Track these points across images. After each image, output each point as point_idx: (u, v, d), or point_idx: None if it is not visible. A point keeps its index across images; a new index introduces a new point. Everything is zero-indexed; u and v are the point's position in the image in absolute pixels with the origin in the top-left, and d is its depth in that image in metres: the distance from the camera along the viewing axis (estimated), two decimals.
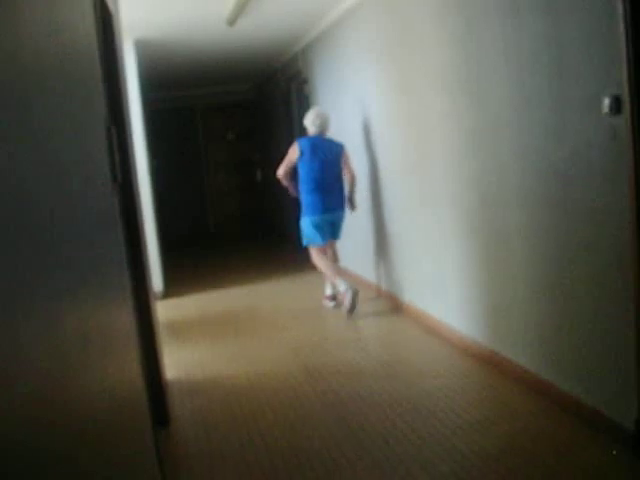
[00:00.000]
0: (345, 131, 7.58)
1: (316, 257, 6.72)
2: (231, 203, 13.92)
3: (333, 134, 7.99)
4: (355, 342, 5.63)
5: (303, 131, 7.40)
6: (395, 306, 6.45)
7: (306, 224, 6.70)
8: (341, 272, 6.79)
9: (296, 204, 7.36)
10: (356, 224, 7.51)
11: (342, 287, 6.34)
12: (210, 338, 6.18)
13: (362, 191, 7.16)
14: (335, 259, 6.99)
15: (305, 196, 6.67)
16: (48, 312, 1.20)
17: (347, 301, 6.31)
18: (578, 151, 3.40)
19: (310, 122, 6.68)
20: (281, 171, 6.70)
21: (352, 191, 6.78)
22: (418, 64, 5.38)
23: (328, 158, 6.55)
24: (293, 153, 6.63)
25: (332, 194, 6.61)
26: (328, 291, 6.86)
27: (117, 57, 3.93)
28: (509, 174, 4.12)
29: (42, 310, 1.15)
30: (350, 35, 7.06)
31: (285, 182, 6.82)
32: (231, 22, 7.00)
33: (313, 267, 7.17)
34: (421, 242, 5.76)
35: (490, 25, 4.14)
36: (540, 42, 3.63)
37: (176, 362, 5.46)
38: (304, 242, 6.82)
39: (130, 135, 4.32)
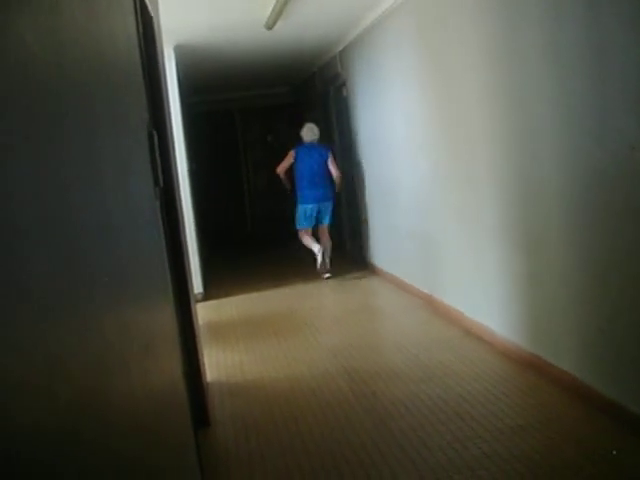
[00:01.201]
0: (384, 133, 7.58)
1: (302, 236, 8.93)
2: (269, 205, 13.97)
3: (372, 136, 8.00)
4: (395, 345, 5.61)
5: (342, 133, 9.37)
6: (435, 308, 6.43)
7: (299, 211, 8.86)
8: (327, 247, 8.84)
9: (338, 206, 9.35)
10: (400, 228, 7.51)
11: (316, 249, 8.70)
12: (249, 340, 6.21)
13: (406, 195, 7.16)
14: (326, 241, 8.90)
15: (299, 190, 8.81)
16: (92, 315, 1.21)
17: (319, 262, 8.67)
18: (620, 153, 3.36)
19: (305, 134, 8.85)
20: (280, 169, 8.86)
21: (340, 188, 8.99)
22: (458, 67, 5.36)
23: (317, 161, 8.70)
24: (290, 158, 8.80)
25: (319, 188, 8.69)
26: (318, 263, 8.73)
27: (158, 61, 3.97)
28: (550, 177, 4.09)
29: (86, 314, 1.17)
30: (389, 37, 7.05)
31: (283, 177, 8.91)
32: (270, 26, 7.03)
33: (351, 268, 8.87)
34: (462, 245, 5.73)
35: (531, 27, 4.11)
36: (582, 45, 3.59)
37: (216, 364, 5.49)
38: (296, 225, 8.93)
39: (171, 139, 4.37)
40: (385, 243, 8.26)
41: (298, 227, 8.93)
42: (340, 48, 9.07)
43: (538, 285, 4.46)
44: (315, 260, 8.79)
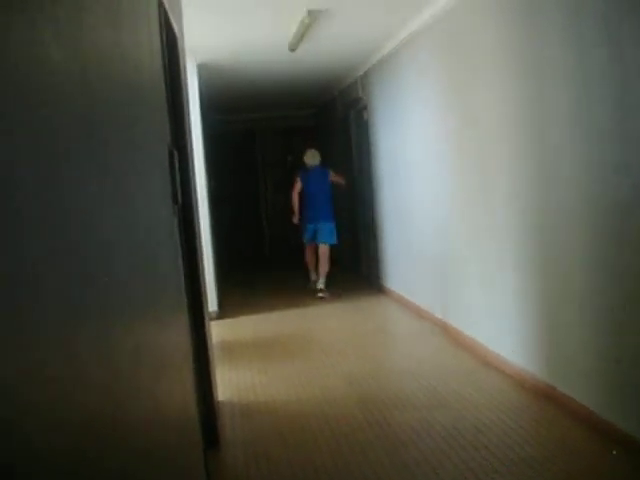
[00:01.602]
0: (403, 158, 7.58)
1: (306, 253, 9.89)
2: (287, 226, 13.96)
3: (391, 160, 8.01)
4: (408, 371, 5.57)
5: (361, 155, 9.74)
6: (450, 335, 6.38)
7: (305, 229, 9.62)
8: (320, 270, 9.37)
9: (355, 230, 10.37)
10: (416, 253, 7.49)
11: (313, 277, 9.74)
12: (263, 360, 6.19)
13: (422, 220, 7.15)
14: (324, 262, 9.35)
15: (304, 211, 9.54)
16: (107, 334, 1.21)
17: (311, 280, 9.78)
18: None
19: (307, 159, 9.62)
20: (295, 196, 9.54)
21: (343, 185, 9.89)
22: (479, 93, 5.36)
23: (319, 182, 9.46)
24: (298, 184, 9.53)
25: (317, 210, 9.40)
26: (320, 285, 9.26)
27: (181, 80, 3.99)
28: (568, 205, 4.06)
29: (101, 332, 1.16)
30: (410, 62, 7.07)
31: (295, 203, 9.54)
32: (293, 48, 7.07)
33: (366, 291, 9.19)
34: (478, 271, 5.70)
35: (553, 56, 4.10)
36: (603, 75, 3.58)
37: (228, 383, 5.47)
38: (304, 241, 9.77)
39: (191, 157, 4.38)
40: (400, 267, 8.24)
41: (304, 241, 9.87)
42: (361, 72, 9.11)
43: (554, 314, 4.42)
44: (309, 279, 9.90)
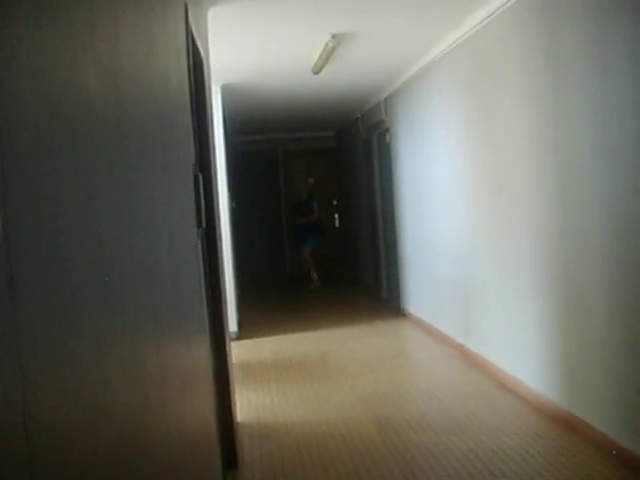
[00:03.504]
0: (425, 181, 7.60)
1: (307, 258, 12.16)
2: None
3: (413, 183, 8.03)
4: (427, 394, 5.56)
5: (383, 178, 9.77)
6: (469, 359, 6.37)
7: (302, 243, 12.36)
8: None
9: (376, 252, 10.64)
10: (436, 276, 7.49)
11: (314, 275, 12.09)
12: (282, 381, 6.19)
13: (444, 243, 7.16)
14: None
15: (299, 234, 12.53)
16: (136, 354, 1.23)
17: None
18: None
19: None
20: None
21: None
22: (501, 118, 5.38)
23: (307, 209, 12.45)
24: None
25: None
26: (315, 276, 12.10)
27: (206, 103, 4.04)
28: (592, 233, 4.06)
29: (129, 352, 1.19)
30: (434, 86, 7.10)
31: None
32: (317, 71, 7.12)
33: (388, 316, 9.01)
34: (499, 296, 5.69)
35: (577, 78, 4.12)
36: (628, 98, 3.59)
37: (247, 404, 5.48)
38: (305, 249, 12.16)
39: (215, 180, 4.42)
40: (420, 290, 8.23)
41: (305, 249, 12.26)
42: (385, 95, 9.15)
43: (576, 341, 4.40)
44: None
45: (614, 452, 3.15)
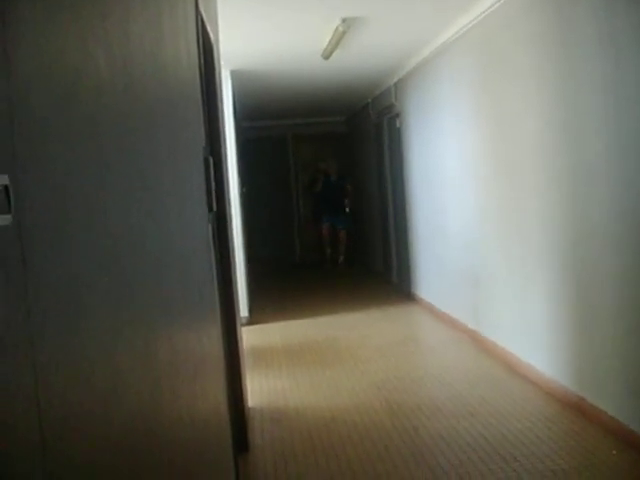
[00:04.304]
0: (436, 166, 7.57)
1: (322, 233, 12.68)
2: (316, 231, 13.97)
3: (423, 168, 8.01)
4: (437, 379, 5.56)
5: (394, 163, 9.74)
6: (480, 344, 6.36)
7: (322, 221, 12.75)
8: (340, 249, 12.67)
9: (387, 237, 10.60)
10: (447, 262, 7.48)
11: (328, 250, 12.65)
12: (293, 366, 6.21)
13: (455, 229, 7.14)
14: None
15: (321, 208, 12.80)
16: (147, 341, 1.23)
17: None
18: None
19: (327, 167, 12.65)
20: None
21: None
22: (513, 104, 5.34)
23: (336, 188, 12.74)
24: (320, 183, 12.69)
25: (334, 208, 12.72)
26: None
27: (216, 87, 4.03)
28: (602, 221, 4.04)
29: (141, 338, 1.19)
30: (444, 71, 7.07)
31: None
32: (327, 56, 7.09)
33: (398, 301, 9.08)
34: (510, 282, 5.68)
35: (589, 66, 4.08)
36: None
37: (258, 389, 5.50)
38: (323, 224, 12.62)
39: (225, 165, 4.41)
40: (431, 276, 8.22)
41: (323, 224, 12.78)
42: (395, 80, 9.11)
43: (586, 326, 4.39)
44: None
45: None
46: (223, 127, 4.60)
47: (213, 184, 2.89)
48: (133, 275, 1.18)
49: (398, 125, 9.28)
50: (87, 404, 0.81)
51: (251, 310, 8.42)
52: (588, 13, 4.06)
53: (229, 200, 4.57)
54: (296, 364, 6.29)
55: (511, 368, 5.53)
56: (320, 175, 12.75)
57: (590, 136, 4.13)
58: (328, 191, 12.52)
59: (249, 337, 7.05)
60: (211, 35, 3.84)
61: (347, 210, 12.63)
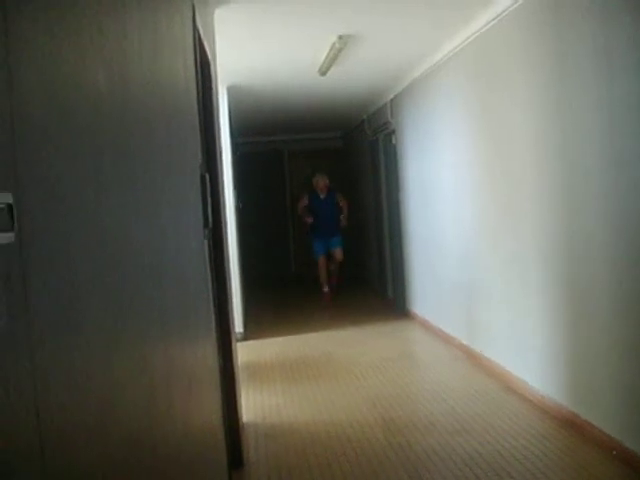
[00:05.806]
0: (431, 183, 7.59)
1: (319, 265, 11.06)
2: (311, 246, 13.96)
3: (419, 185, 8.03)
4: (432, 395, 5.56)
5: (389, 179, 9.73)
6: (475, 360, 6.36)
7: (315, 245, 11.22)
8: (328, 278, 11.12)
9: (382, 253, 10.68)
10: (442, 278, 7.49)
11: (325, 289, 10.94)
12: (288, 382, 6.20)
13: (450, 245, 7.16)
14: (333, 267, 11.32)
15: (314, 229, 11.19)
16: (141, 356, 1.24)
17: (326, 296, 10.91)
18: None
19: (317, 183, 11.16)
20: (302, 209, 11.26)
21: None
22: (507, 119, 5.37)
23: (328, 204, 11.18)
24: (305, 200, 11.23)
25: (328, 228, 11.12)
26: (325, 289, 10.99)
27: (213, 103, 4.05)
28: (596, 232, 4.06)
29: (136, 353, 1.20)
30: (440, 88, 7.10)
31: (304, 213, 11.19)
32: (323, 72, 7.13)
33: (393, 317, 8.94)
34: (504, 298, 5.69)
35: (584, 82, 4.11)
36: (634, 101, 3.59)
37: (253, 404, 5.49)
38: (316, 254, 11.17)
39: (221, 180, 4.43)
40: (426, 292, 8.23)
41: (316, 255, 11.33)
42: (391, 96, 9.15)
43: (581, 343, 4.40)
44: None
45: (614, 452, 3.15)
46: (219, 143, 4.61)
47: (209, 200, 2.91)
48: (129, 289, 1.19)
49: (394, 142, 9.31)
50: (84, 414, 0.82)
51: (246, 326, 8.41)
52: (583, 30, 4.09)
53: (225, 216, 4.58)
54: (291, 380, 6.28)
55: (506, 384, 5.53)
56: (304, 193, 11.48)
57: (585, 151, 4.16)
58: (318, 210, 11.04)
59: (244, 353, 7.04)
60: (208, 51, 3.86)
61: (342, 224, 11.13)
